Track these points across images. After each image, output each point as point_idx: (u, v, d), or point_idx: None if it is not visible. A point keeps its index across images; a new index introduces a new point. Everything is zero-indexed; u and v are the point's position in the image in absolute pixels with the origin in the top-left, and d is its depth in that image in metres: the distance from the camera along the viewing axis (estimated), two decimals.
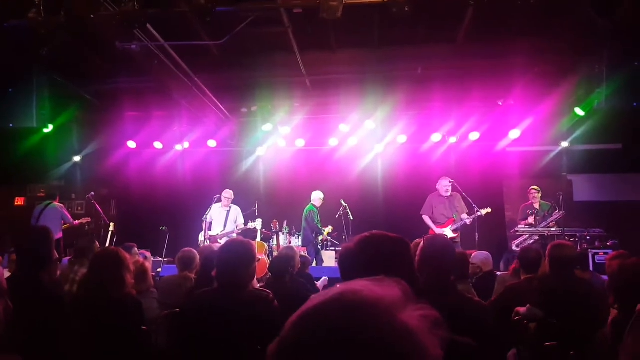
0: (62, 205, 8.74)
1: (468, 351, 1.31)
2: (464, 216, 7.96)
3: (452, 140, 9.55)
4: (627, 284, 2.60)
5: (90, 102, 8.73)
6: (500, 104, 8.93)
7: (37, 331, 2.73)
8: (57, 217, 8.48)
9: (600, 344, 2.89)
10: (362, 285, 0.73)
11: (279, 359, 0.68)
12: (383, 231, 1.83)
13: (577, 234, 7.78)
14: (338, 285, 0.75)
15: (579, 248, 7.49)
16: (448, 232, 7.96)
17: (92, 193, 8.85)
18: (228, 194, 8.64)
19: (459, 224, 7.97)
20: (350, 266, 1.73)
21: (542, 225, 7.95)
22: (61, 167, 10.35)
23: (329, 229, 8.81)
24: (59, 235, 8.31)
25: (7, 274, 3.32)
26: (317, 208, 8.74)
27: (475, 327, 2.18)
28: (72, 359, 2.84)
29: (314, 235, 8.55)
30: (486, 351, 2.14)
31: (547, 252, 3.88)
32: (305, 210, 8.69)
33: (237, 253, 2.84)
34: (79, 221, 8.75)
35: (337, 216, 8.72)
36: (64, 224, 8.54)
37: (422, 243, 2.47)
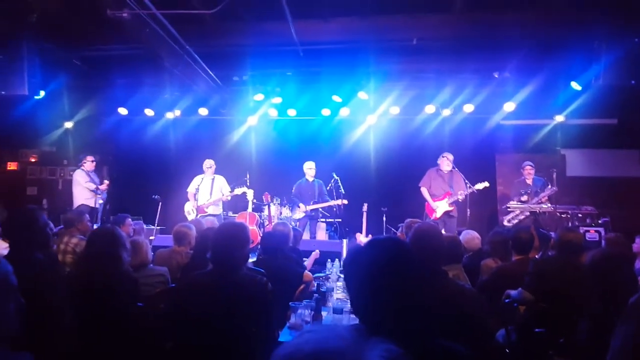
0: (81, 170, 8.53)
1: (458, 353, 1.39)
2: (460, 192, 8.02)
3: (446, 112, 9.48)
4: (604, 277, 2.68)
5: (81, 69, 8.58)
6: (496, 75, 8.85)
7: (40, 313, 2.79)
8: (75, 184, 8.44)
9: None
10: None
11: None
12: (391, 235, 1.86)
13: (569, 211, 7.75)
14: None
15: (569, 224, 7.54)
16: (444, 204, 8.07)
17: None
18: (209, 163, 8.69)
19: (454, 198, 8.06)
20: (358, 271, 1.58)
21: (534, 200, 7.93)
22: (52, 133, 10.29)
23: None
24: (85, 202, 8.10)
25: (4, 250, 3.35)
26: (309, 180, 8.77)
27: (465, 316, 2.32)
28: (70, 337, 2.92)
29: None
30: (474, 338, 2.24)
31: (558, 235, 3.99)
32: None
33: (232, 236, 2.91)
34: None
35: (327, 188, 8.77)
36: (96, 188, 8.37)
37: (410, 234, 2.55)
